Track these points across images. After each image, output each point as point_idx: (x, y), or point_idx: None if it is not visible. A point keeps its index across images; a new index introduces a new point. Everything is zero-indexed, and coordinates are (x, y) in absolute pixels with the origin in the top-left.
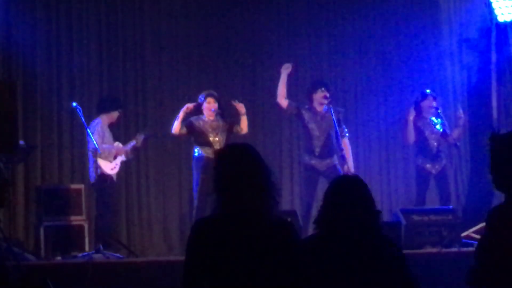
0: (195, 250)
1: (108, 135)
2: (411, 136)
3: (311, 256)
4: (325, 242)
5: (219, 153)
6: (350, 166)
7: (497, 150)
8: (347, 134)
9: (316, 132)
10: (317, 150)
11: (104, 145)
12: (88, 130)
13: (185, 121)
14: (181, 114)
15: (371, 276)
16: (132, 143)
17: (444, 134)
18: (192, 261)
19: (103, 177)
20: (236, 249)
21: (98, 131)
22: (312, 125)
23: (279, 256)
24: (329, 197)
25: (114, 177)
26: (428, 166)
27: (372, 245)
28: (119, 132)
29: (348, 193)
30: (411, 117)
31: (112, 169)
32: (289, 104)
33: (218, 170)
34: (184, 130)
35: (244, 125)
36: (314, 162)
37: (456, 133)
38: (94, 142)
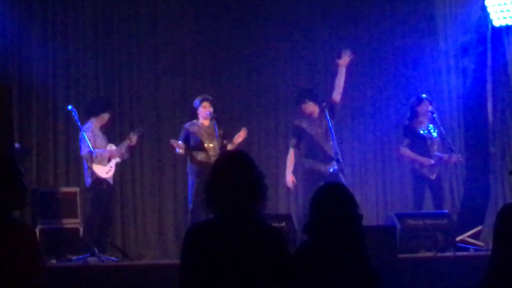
0: (190, 254)
1: (99, 139)
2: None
3: (303, 262)
4: (314, 249)
5: (215, 161)
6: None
7: None
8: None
9: (319, 137)
10: (322, 154)
11: (96, 150)
12: (84, 133)
13: (182, 131)
14: (181, 150)
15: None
16: (126, 143)
17: (441, 140)
18: (187, 265)
19: (98, 181)
20: (228, 254)
21: (89, 136)
22: (314, 131)
23: (269, 262)
24: (315, 205)
25: (111, 181)
26: (425, 170)
27: (354, 249)
28: (114, 134)
29: (333, 201)
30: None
31: (107, 173)
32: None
33: (212, 177)
34: (184, 146)
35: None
36: (317, 166)
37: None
38: (90, 145)
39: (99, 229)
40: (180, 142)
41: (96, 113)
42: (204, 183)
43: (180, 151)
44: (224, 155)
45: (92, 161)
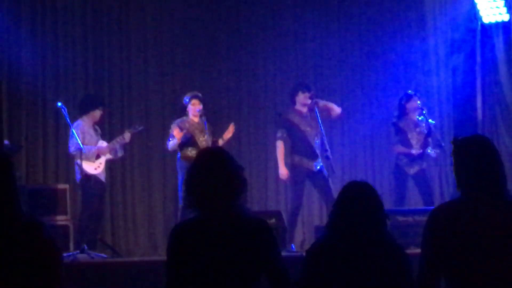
0: (175, 255)
1: (89, 136)
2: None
3: (319, 258)
4: (334, 245)
5: (193, 159)
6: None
7: (457, 153)
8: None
9: (310, 133)
10: (312, 150)
11: (84, 146)
12: (73, 130)
13: (172, 128)
14: (178, 136)
15: (376, 280)
16: (120, 140)
17: (429, 134)
18: (173, 265)
19: (86, 177)
20: (214, 250)
21: (78, 134)
22: (304, 127)
23: (256, 255)
24: (340, 202)
25: (101, 177)
26: (405, 166)
27: (379, 250)
28: (103, 131)
29: (359, 199)
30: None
31: (95, 169)
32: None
33: (190, 175)
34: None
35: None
36: (304, 162)
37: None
38: (79, 142)
39: (89, 226)
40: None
41: (86, 111)
42: (183, 182)
43: (175, 141)
44: (201, 153)
45: (80, 158)
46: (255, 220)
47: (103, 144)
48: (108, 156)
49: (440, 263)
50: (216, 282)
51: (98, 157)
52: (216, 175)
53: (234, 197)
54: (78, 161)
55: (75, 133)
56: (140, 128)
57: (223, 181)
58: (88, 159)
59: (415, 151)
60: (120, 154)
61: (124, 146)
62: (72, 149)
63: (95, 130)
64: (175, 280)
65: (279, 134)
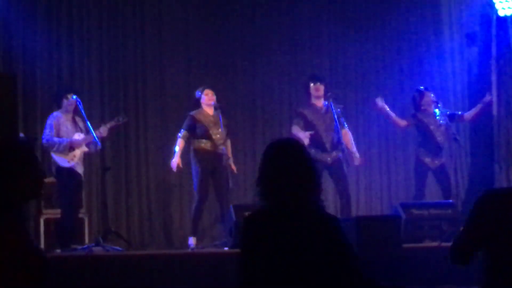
0: (250, 243)
1: (65, 129)
2: (400, 121)
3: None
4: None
5: (266, 148)
6: (355, 152)
7: None
8: (346, 125)
9: (322, 126)
10: (327, 144)
11: (55, 138)
12: (88, 123)
13: (187, 119)
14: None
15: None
16: (97, 134)
17: (446, 128)
18: (248, 255)
19: (60, 171)
20: (287, 242)
21: (51, 125)
22: (317, 122)
23: (327, 250)
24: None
25: (77, 169)
26: (427, 160)
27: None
28: (118, 127)
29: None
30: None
31: (68, 162)
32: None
33: (267, 166)
34: (187, 136)
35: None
36: (321, 156)
37: (472, 113)
38: (94, 135)
39: (72, 219)
40: (175, 160)
41: (58, 103)
42: (259, 172)
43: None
44: (276, 143)
45: (55, 151)
46: (328, 216)
47: (79, 136)
48: (85, 148)
49: (481, 240)
50: (287, 273)
51: (71, 149)
52: (297, 167)
53: (311, 190)
54: (52, 153)
55: (91, 126)
56: (124, 120)
57: (302, 173)
58: (61, 152)
59: (402, 122)
60: (98, 147)
61: (101, 139)
62: (43, 141)
63: (74, 122)
64: (249, 269)
65: (295, 121)
